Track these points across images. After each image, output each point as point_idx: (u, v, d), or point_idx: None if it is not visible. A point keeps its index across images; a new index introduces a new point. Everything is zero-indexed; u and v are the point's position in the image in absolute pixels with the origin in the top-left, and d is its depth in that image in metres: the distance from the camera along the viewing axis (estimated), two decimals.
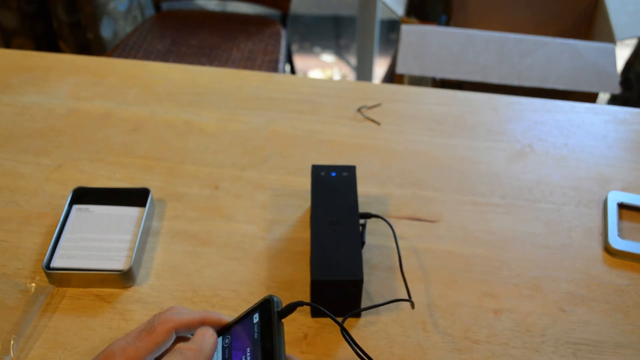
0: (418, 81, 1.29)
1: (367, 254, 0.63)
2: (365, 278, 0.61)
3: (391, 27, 2.46)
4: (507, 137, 0.79)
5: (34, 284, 0.59)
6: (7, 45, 1.74)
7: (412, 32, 1.17)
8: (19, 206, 0.67)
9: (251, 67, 1.49)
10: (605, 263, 0.63)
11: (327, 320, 0.57)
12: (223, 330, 0.47)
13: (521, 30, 1.44)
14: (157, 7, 1.72)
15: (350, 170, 0.64)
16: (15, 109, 0.81)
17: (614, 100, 1.69)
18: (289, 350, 0.54)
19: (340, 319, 0.46)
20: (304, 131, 0.78)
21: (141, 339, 0.42)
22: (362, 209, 0.67)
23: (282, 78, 0.90)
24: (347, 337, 0.45)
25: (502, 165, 0.74)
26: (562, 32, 1.50)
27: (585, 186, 0.72)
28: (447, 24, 1.56)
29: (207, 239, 0.64)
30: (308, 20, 2.55)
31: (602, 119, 0.82)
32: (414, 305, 0.56)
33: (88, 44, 1.78)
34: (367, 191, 0.70)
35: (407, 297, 0.59)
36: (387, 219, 0.64)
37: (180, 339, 0.44)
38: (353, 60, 2.32)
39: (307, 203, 0.69)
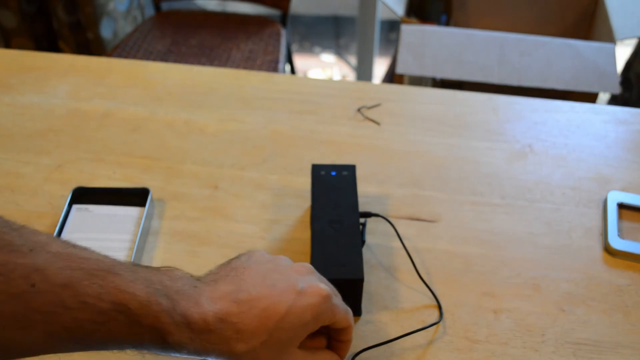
0: (418, 81, 1.29)
1: (367, 253, 0.63)
2: (365, 278, 0.60)
3: (391, 27, 2.46)
4: (507, 137, 0.79)
5: None
6: (7, 45, 1.74)
7: (412, 32, 1.17)
8: (19, 206, 0.67)
9: (251, 67, 1.49)
10: (605, 263, 0.63)
11: None
12: None
13: (521, 30, 1.44)
14: (157, 7, 1.72)
15: (350, 169, 0.64)
16: (15, 109, 0.81)
17: (614, 100, 1.69)
18: None
19: None
20: (304, 131, 0.78)
21: (342, 312, 0.46)
22: (362, 208, 0.67)
23: (282, 78, 0.90)
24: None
25: (502, 165, 0.74)
26: (562, 32, 1.50)
27: (585, 186, 0.72)
28: (447, 24, 1.56)
29: (207, 239, 0.64)
30: (308, 20, 2.55)
31: (602, 119, 0.82)
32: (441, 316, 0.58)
33: (88, 44, 1.78)
34: (367, 191, 0.70)
35: (434, 303, 0.59)
36: (388, 218, 0.64)
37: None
38: (353, 60, 2.32)
39: (307, 203, 0.69)
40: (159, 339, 0.39)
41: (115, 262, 0.40)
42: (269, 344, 0.42)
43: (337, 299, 0.46)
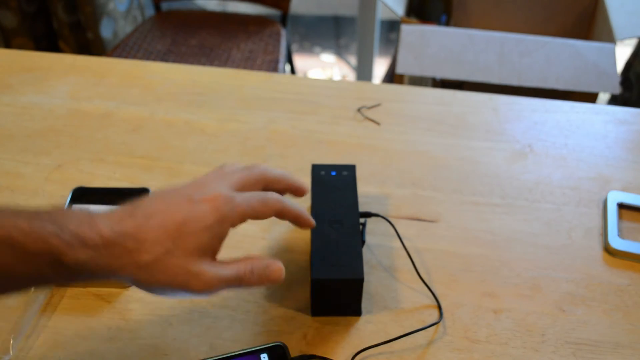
0: (418, 81, 1.29)
1: (367, 253, 0.63)
2: (365, 278, 0.60)
3: (391, 27, 2.46)
4: (507, 137, 0.79)
5: None
6: (7, 45, 1.74)
7: (412, 32, 1.17)
8: (19, 206, 0.67)
9: (251, 67, 1.49)
10: (605, 263, 0.63)
11: (328, 319, 0.57)
12: None
13: (521, 30, 1.44)
14: (157, 7, 1.72)
15: (350, 169, 0.64)
16: (15, 109, 0.81)
17: (614, 100, 1.69)
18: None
19: None
20: (304, 131, 0.78)
21: (251, 201, 0.46)
22: (362, 209, 0.67)
23: (282, 78, 0.90)
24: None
25: (502, 165, 0.74)
26: (562, 32, 1.50)
27: (585, 186, 0.72)
28: (447, 24, 1.56)
29: None
30: (308, 20, 2.55)
31: (602, 119, 0.82)
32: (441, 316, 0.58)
33: (88, 44, 1.78)
34: (367, 191, 0.70)
35: (434, 303, 0.59)
36: (388, 218, 0.64)
37: None
38: (353, 60, 2.32)
39: (307, 203, 0.69)
40: (55, 262, 0.39)
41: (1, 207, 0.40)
42: (175, 252, 0.41)
43: (242, 196, 0.46)
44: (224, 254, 0.63)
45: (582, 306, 0.59)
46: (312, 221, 0.50)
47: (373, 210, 0.67)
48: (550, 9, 1.50)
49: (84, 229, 0.40)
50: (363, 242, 0.62)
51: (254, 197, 0.46)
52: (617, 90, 1.09)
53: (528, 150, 0.77)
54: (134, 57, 1.50)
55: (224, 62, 1.51)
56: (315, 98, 0.84)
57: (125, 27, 1.83)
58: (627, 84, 1.58)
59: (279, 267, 0.46)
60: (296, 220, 0.50)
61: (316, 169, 0.64)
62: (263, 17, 1.69)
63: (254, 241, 0.64)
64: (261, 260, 0.46)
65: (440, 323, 0.57)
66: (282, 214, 0.48)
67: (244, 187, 0.47)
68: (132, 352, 0.54)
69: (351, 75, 2.28)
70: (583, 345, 0.56)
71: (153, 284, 0.42)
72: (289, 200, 0.49)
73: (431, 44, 1.16)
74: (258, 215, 0.46)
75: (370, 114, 0.82)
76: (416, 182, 0.72)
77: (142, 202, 0.43)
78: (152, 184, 0.70)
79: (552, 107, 0.84)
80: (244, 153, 0.75)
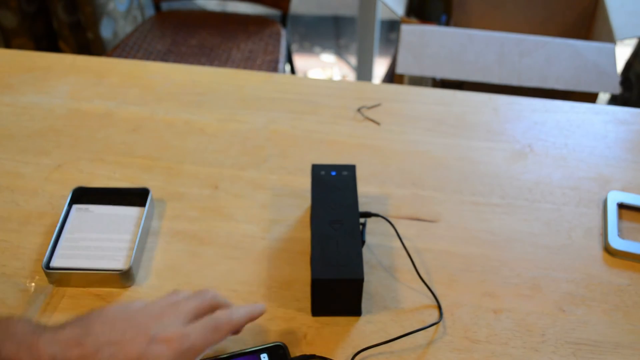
0: (418, 81, 1.29)
1: (367, 253, 0.63)
2: (365, 278, 0.60)
3: (391, 27, 2.46)
4: (507, 137, 0.79)
5: (33, 284, 0.59)
6: (7, 45, 1.74)
7: (412, 32, 1.17)
8: (19, 206, 0.67)
9: (251, 67, 1.49)
10: (605, 263, 0.63)
11: (328, 319, 0.57)
12: None
13: (521, 30, 1.44)
14: (157, 7, 1.72)
15: (350, 169, 0.64)
16: (15, 109, 0.81)
17: (614, 100, 1.69)
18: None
19: None
20: (304, 131, 0.78)
21: (206, 333, 0.44)
22: (362, 209, 0.67)
23: (282, 78, 0.90)
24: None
25: (502, 165, 0.74)
26: (562, 32, 1.50)
27: (585, 186, 0.72)
28: (447, 24, 1.56)
29: (207, 239, 0.64)
30: (308, 20, 2.55)
31: (602, 119, 0.82)
32: (441, 316, 0.58)
33: (88, 44, 1.78)
34: (367, 191, 0.70)
35: (434, 303, 0.59)
36: (388, 218, 0.64)
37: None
38: (353, 60, 2.32)
39: (307, 203, 0.69)
40: None
41: None
42: None
43: (196, 331, 0.44)
44: (223, 251, 0.63)
45: (582, 306, 0.59)
46: (263, 309, 0.50)
47: (373, 210, 0.67)
48: (550, 9, 1.50)
49: (22, 355, 0.37)
50: (363, 242, 0.62)
51: (207, 328, 0.45)
52: (617, 90, 1.09)
53: (528, 150, 0.77)
54: (134, 57, 1.50)
55: (224, 62, 1.51)
56: (315, 98, 0.84)
57: (125, 27, 1.83)
58: (627, 84, 1.58)
59: None
60: (251, 321, 0.50)
61: (316, 169, 0.64)
62: (263, 17, 1.69)
63: (254, 241, 0.64)
64: None
65: (440, 323, 0.57)
66: (238, 328, 0.48)
67: (196, 316, 0.46)
68: None
69: (351, 75, 2.28)
70: (583, 345, 0.56)
71: None
72: (237, 310, 0.49)
73: (431, 44, 1.16)
74: (215, 343, 0.45)
75: (370, 114, 0.82)
76: (416, 182, 0.72)
77: (94, 326, 0.40)
78: (152, 184, 0.70)
79: (552, 107, 0.84)
80: (244, 153, 0.75)
